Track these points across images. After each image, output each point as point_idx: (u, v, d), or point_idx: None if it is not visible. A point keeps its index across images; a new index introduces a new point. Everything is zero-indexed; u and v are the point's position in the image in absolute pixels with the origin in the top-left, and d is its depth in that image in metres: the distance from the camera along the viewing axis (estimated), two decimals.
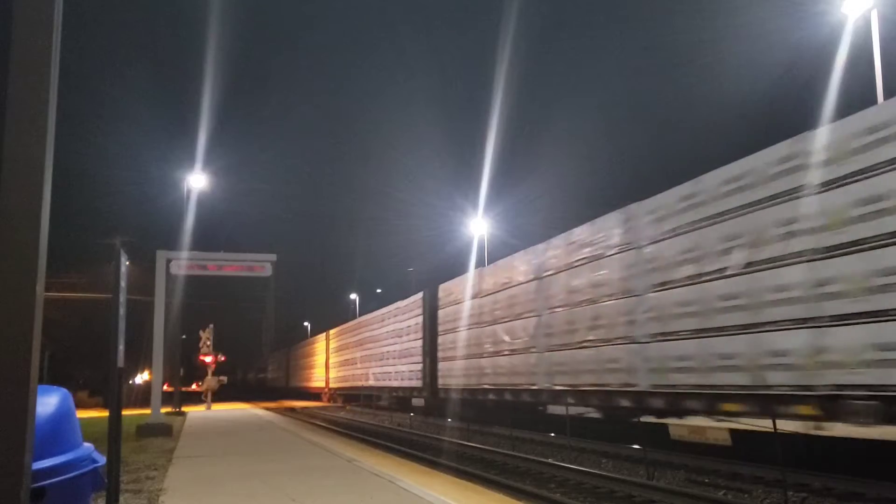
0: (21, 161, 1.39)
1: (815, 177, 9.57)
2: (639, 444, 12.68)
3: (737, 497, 9.56)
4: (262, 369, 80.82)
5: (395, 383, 29.62)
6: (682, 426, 12.23)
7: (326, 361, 46.25)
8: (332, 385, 44.75)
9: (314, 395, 51.85)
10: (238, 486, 9.13)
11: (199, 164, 28.77)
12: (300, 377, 57.86)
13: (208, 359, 36.86)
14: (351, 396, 39.90)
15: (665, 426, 12.74)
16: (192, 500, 8.22)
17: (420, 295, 26.88)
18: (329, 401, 44.98)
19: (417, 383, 26.23)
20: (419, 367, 26.00)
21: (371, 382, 33.63)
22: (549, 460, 13.21)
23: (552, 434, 16.96)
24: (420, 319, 26.38)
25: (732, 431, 11.25)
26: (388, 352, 30.86)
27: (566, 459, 13.43)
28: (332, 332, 45.70)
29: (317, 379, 49.99)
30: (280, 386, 66.63)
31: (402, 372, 28.36)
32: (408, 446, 16.94)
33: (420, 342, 26.15)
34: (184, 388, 36.23)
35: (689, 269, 11.77)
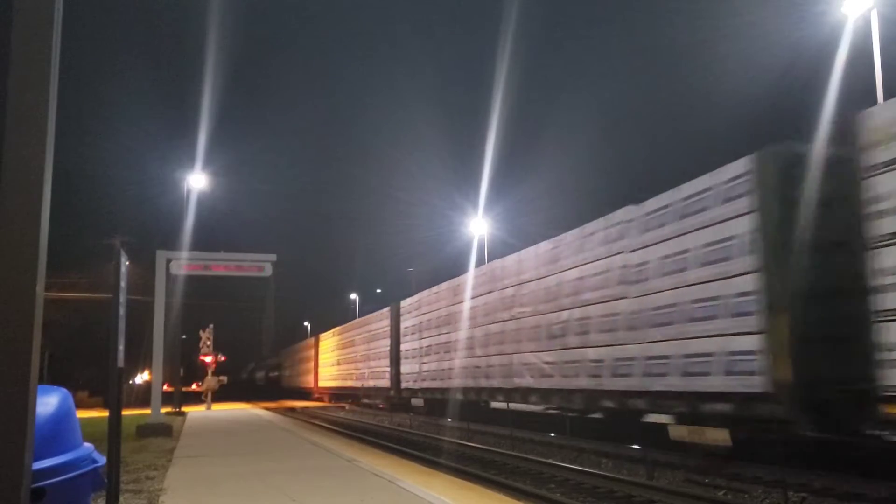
0: (21, 161, 1.39)
1: None
2: (639, 444, 12.68)
3: (737, 497, 9.56)
4: (275, 367, 70.01)
5: (659, 384, 12.53)
6: (682, 427, 12.21)
7: (394, 350, 30.33)
8: (411, 384, 27.94)
9: (352, 396, 38.79)
10: (238, 486, 9.13)
11: (199, 164, 28.81)
12: (338, 374, 42.22)
13: (208, 359, 36.87)
14: (439, 402, 24.82)
15: (665, 426, 12.72)
16: (192, 500, 8.22)
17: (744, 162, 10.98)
18: (392, 408, 30.45)
19: (740, 384, 10.71)
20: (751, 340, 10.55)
21: (528, 381, 17.27)
22: (549, 460, 13.20)
23: (552, 434, 16.96)
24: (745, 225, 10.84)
25: (732, 432, 11.24)
26: (587, 320, 14.90)
27: (566, 459, 13.43)
28: (405, 303, 29.85)
29: (371, 377, 33.73)
30: (303, 387, 53.99)
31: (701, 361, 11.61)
32: (408, 446, 16.94)
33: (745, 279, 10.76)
34: (184, 389, 36.21)
35: None
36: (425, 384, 26.20)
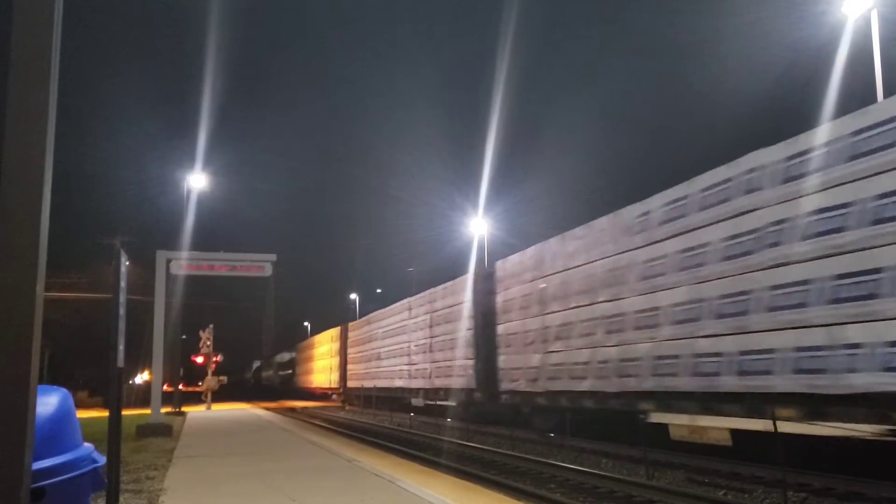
0: (21, 161, 1.38)
1: None
2: (639, 445, 12.68)
3: (737, 497, 9.56)
4: (287, 365, 62.72)
5: None
6: (683, 426, 12.21)
7: (480, 335, 21.14)
8: (520, 385, 18.30)
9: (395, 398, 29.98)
10: (238, 486, 9.13)
11: (199, 164, 28.81)
12: (377, 372, 32.67)
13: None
14: (579, 414, 16.15)
15: (665, 426, 12.72)
16: (192, 500, 8.22)
17: None
18: (476, 418, 21.06)
19: None
20: None
21: None
22: (549, 460, 13.21)
23: (552, 434, 16.95)
24: None
25: (733, 431, 11.24)
26: None
27: (566, 459, 13.43)
28: (508, 262, 19.92)
29: (439, 374, 24.46)
30: (323, 388, 46.13)
31: None
32: (408, 446, 16.94)
33: None
34: (184, 388, 36.21)
35: None
36: (557, 385, 16.33)
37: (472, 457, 14.81)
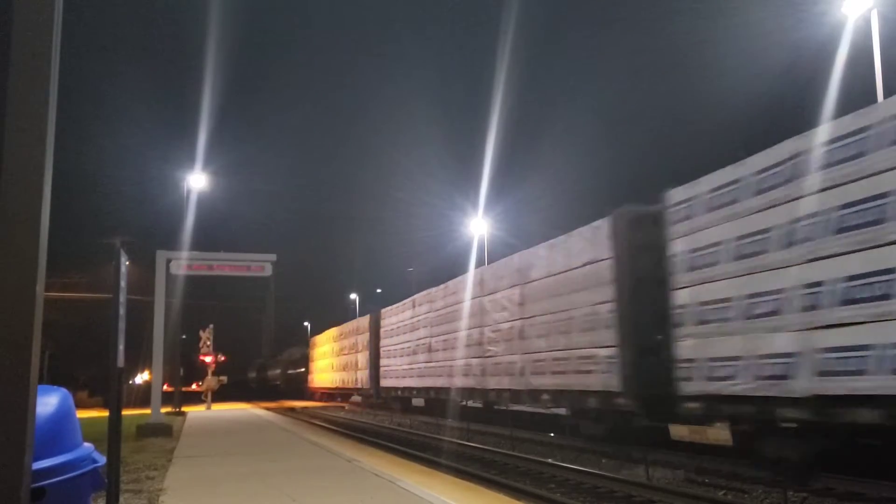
0: (21, 161, 1.39)
1: None
2: (639, 445, 12.68)
3: (737, 497, 9.56)
4: (298, 362, 56.85)
5: None
6: (683, 427, 12.20)
7: (650, 303, 13.34)
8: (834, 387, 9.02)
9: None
10: (238, 486, 9.13)
11: (199, 164, 28.77)
12: (432, 366, 25.15)
13: (208, 359, 36.85)
14: None
15: (665, 426, 12.72)
16: (192, 500, 8.22)
17: None
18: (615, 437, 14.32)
19: None
20: None
21: None
22: (549, 460, 13.21)
23: (552, 434, 16.94)
24: None
25: (733, 431, 11.23)
26: None
27: (566, 459, 13.43)
28: (757, 164, 10.40)
29: (555, 365, 16.12)
30: (343, 387, 40.02)
31: None
32: (408, 446, 16.94)
33: None
34: (184, 388, 36.20)
35: None
36: (853, 385, 8.62)
37: (472, 457, 14.80)
